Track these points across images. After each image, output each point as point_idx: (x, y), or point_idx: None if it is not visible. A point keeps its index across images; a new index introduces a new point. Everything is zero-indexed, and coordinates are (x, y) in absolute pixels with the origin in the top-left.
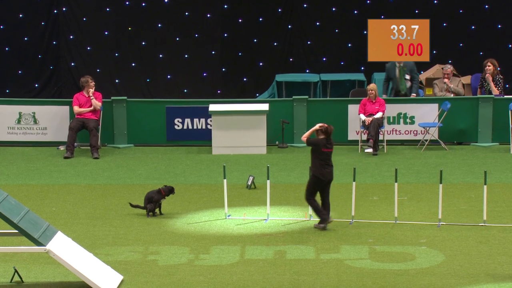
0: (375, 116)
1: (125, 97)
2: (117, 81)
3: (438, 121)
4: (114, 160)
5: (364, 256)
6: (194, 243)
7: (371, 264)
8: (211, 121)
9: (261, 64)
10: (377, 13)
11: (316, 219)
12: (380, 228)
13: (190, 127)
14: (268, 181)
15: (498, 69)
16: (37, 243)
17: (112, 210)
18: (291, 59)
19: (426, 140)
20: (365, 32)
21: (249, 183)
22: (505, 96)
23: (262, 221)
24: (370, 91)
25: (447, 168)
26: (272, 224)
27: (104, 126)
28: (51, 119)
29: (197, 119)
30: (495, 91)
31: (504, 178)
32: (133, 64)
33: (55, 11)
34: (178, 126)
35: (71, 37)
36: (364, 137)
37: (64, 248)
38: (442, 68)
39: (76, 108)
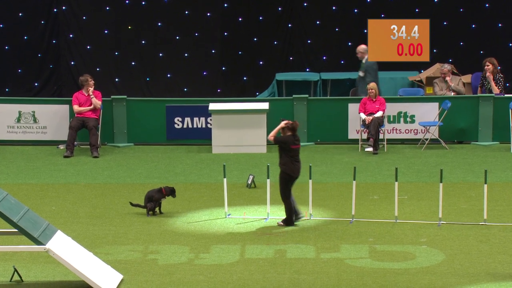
0: (376, 115)
1: (125, 96)
2: (117, 80)
3: (439, 120)
4: (114, 159)
5: (365, 255)
6: (194, 242)
7: (371, 263)
8: (211, 120)
9: (261, 63)
10: (377, 11)
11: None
12: (381, 227)
13: (190, 126)
14: (268, 180)
15: (498, 68)
16: (37, 242)
17: (112, 209)
18: (291, 58)
19: (427, 139)
20: (365, 31)
21: (249, 182)
22: (506, 95)
23: (262, 220)
24: (370, 90)
25: (447, 167)
26: (272, 223)
27: (104, 125)
28: (51, 118)
29: (197, 118)
30: (496, 90)
31: (504, 177)
32: (133, 63)
33: (55, 10)
34: (178, 125)
35: (71, 36)
36: (365, 136)
37: (64, 247)
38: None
39: (76, 107)
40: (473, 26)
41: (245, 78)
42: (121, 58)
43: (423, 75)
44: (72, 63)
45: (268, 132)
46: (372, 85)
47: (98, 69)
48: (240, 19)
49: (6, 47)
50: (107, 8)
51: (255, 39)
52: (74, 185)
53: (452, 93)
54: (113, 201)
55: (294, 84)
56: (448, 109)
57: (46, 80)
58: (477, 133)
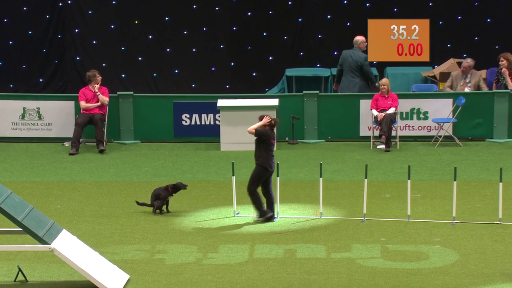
0: (388, 112)
1: (132, 92)
2: (123, 75)
3: (453, 117)
4: (120, 157)
5: (376, 255)
6: (202, 241)
7: (383, 263)
8: (219, 116)
9: (270, 58)
10: (389, 5)
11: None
12: (393, 227)
13: (198, 122)
14: (278, 178)
15: None
16: (42, 241)
17: (118, 207)
18: (301, 53)
19: (440, 136)
20: None
21: None
22: None
23: (272, 219)
24: (383, 86)
25: (461, 165)
26: (282, 222)
27: (110, 121)
28: (56, 115)
29: (205, 115)
30: None
31: None
32: (140, 58)
33: (60, 4)
34: (186, 121)
35: (76, 30)
36: (376, 133)
37: (69, 246)
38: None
39: (83, 103)
40: (488, 20)
41: (254, 74)
42: (127, 53)
43: (437, 70)
44: (78, 58)
45: (278, 129)
46: (385, 80)
47: (104, 65)
48: (249, 14)
49: (10, 42)
50: (113, 2)
51: (264, 33)
52: (80, 183)
53: (468, 89)
54: (119, 199)
55: (304, 80)
56: (462, 105)
57: (51, 76)
58: (492, 130)
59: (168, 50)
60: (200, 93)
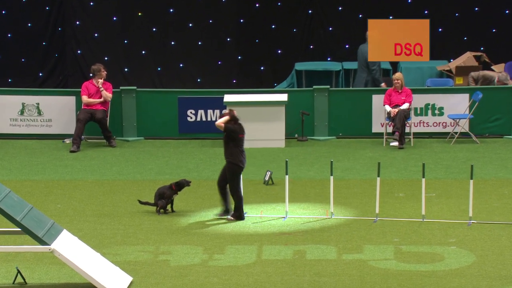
0: (401, 107)
1: (135, 87)
2: (126, 70)
3: (469, 113)
4: (123, 154)
5: (389, 257)
6: (208, 242)
7: (396, 265)
8: None
9: (279, 51)
10: None
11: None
12: (407, 227)
13: (203, 118)
14: (287, 177)
15: None
16: (41, 242)
17: (121, 207)
18: (311, 47)
19: (456, 133)
20: (390, 17)
21: (267, 178)
22: None
23: (280, 219)
24: (396, 81)
25: (478, 163)
26: (291, 222)
27: (112, 117)
28: (56, 111)
29: (211, 111)
30: None
31: None
32: (143, 52)
33: None
34: (191, 117)
35: (78, 23)
36: (390, 129)
37: (69, 247)
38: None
39: (85, 98)
40: (506, 12)
41: (262, 68)
42: (130, 47)
43: (453, 64)
44: (79, 52)
45: (287, 125)
46: (398, 75)
47: (106, 58)
48: (257, 5)
49: (9, 35)
50: None
51: (273, 26)
52: (81, 181)
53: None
54: (122, 198)
55: (315, 74)
56: (479, 100)
57: (51, 70)
58: (510, 126)
59: (172, 43)
60: (206, 88)
